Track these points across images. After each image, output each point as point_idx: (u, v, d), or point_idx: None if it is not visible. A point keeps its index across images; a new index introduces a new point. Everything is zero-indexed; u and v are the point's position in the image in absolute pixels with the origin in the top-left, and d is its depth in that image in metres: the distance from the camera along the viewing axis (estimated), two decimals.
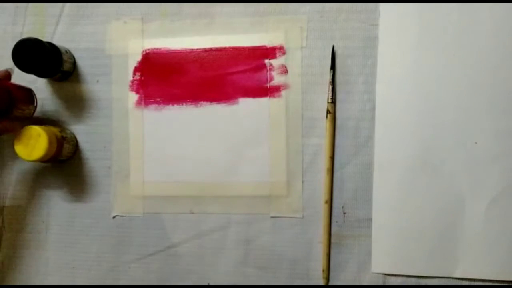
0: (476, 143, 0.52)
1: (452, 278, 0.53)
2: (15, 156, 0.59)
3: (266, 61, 0.56)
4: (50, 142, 0.51)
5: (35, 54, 0.52)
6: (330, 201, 0.55)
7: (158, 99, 0.57)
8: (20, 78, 0.56)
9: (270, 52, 0.56)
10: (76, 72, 0.58)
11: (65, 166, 0.59)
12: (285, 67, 0.56)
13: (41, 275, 0.59)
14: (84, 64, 0.58)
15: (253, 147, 0.56)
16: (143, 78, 0.58)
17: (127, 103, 0.58)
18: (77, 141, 0.58)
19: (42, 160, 0.53)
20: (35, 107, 0.58)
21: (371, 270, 0.54)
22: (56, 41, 0.57)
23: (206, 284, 0.57)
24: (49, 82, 0.59)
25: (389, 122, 0.53)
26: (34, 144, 0.51)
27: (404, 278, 0.54)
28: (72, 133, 0.58)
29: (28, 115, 0.57)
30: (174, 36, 0.57)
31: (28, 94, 0.57)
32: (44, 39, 0.55)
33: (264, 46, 0.56)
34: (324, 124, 0.55)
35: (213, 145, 0.57)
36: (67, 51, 0.57)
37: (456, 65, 0.52)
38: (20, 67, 0.52)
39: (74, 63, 0.58)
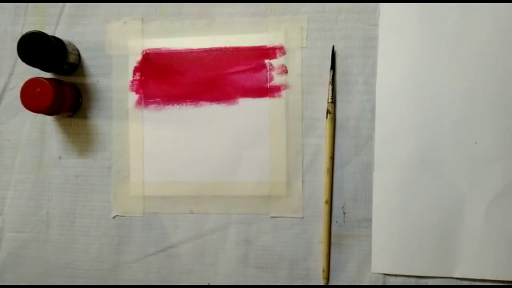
0: (476, 143, 0.52)
1: (452, 278, 0.53)
2: (14, 156, 0.59)
3: (266, 61, 0.56)
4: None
5: (40, 47, 0.52)
6: (330, 201, 0.55)
7: (158, 99, 0.57)
8: (26, 73, 0.57)
9: (270, 52, 0.56)
10: (76, 71, 0.59)
11: (65, 165, 0.59)
12: (285, 67, 0.56)
13: (41, 275, 0.59)
14: (84, 64, 0.58)
15: (253, 147, 0.56)
16: (143, 78, 0.58)
17: (127, 103, 0.58)
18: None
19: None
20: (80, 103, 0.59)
21: (371, 270, 0.54)
22: None
23: (206, 284, 0.57)
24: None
25: (389, 122, 0.53)
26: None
27: (404, 278, 0.54)
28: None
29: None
30: (174, 36, 0.57)
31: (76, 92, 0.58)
32: None
33: (264, 46, 0.56)
34: (324, 124, 0.55)
35: (213, 145, 0.57)
36: (70, 43, 0.57)
37: (456, 65, 0.52)
38: (25, 61, 0.52)
39: (79, 55, 0.58)
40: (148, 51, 0.58)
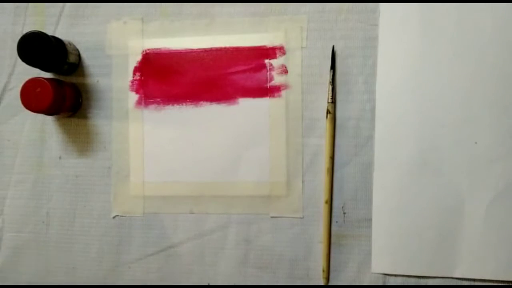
0: (476, 143, 0.52)
1: (452, 278, 0.53)
2: (14, 156, 0.59)
3: (266, 61, 0.56)
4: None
5: (40, 47, 0.52)
6: (330, 201, 0.55)
7: (158, 99, 0.57)
8: (26, 73, 0.57)
9: (270, 52, 0.56)
10: (76, 71, 0.58)
11: (65, 165, 0.59)
12: (285, 67, 0.56)
13: (41, 275, 0.59)
14: (84, 64, 0.58)
15: (253, 147, 0.56)
16: (143, 78, 0.58)
17: (127, 103, 0.58)
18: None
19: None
20: (81, 103, 0.59)
21: (371, 270, 0.54)
22: None
23: (206, 284, 0.57)
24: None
25: (389, 122, 0.53)
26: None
27: (404, 278, 0.54)
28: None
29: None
30: (174, 36, 0.57)
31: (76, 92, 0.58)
32: None
33: (264, 46, 0.56)
34: (324, 124, 0.55)
35: (213, 145, 0.57)
36: (70, 43, 0.57)
37: (456, 65, 0.52)
38: (25, 61, 0.52)
39: (79, 55, 0.58)
40: (148, 51, 0.58)
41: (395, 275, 0.54)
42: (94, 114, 0.58)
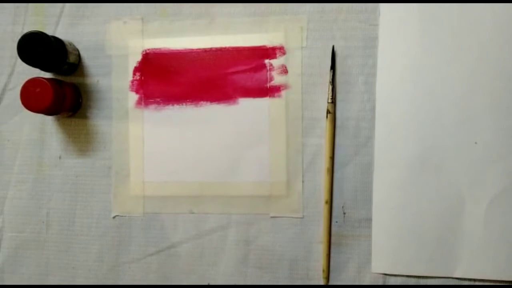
0: (476, 143, 0.52)
1: (452, 278, 0.53)
2: (15, 155, 0.59)
3: (266, 61, 0.56)
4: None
5: (40, 47, 0.52)
6: (330, 201, 0.55)
7: (158, 99, 0.57)
8: (26, 73, 0.57)
9: (270, 52, 0.56)
10: (76, 71, 0.58)
11: (65, 165, 0.59)
12: (285, 67, 0.56)
13: (41, 275, 0.59)
14: (84, 64, 0.58)
15: (253, 147, 0.56)
16: (143, 78, 0.58)
17: (127, 103, 0.58)
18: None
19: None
20: (81, 103, 0.59)
21: (371, 270, 0.54)
22: None
23: (206, 284, 0.57)
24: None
25: (389, 122, 0.54)
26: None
27: (404, 278, 0.54)
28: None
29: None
30: (174, 36, 0.57)
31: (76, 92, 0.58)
32: None
33: (264, 46, 0.56)
34: (324, 124, 0.55)
35: (213, 145, 0.57)
36: (71, 43, 0.57)
37: (456, 65, 0.52)
38: (25, 61, 0.52)
39: (79, 55, 0.58)
40: (148, 51, 0.58)
41: (395, 275, 0.54)
42: (94, 114, 0.58)
